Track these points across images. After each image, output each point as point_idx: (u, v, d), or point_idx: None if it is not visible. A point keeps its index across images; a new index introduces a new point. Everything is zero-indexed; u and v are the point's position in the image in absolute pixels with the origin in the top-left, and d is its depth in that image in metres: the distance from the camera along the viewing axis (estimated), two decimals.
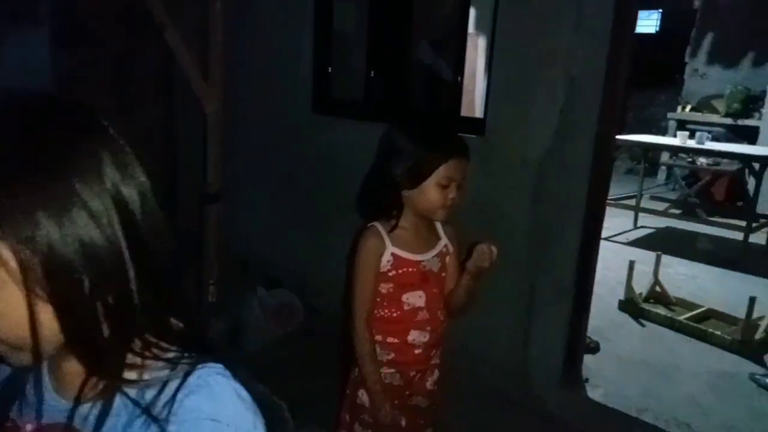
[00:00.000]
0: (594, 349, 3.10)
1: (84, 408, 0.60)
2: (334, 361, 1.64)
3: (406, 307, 1.55)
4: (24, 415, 0.65)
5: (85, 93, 3.72)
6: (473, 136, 2.66)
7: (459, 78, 2.88)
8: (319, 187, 3.24)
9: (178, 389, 0.60)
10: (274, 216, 3.61)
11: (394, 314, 1.55)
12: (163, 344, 0.63)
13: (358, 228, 1.58)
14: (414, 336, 1.57)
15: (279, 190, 3.58)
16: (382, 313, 1.57)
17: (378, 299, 1.56)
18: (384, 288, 1.55)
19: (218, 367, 0.63)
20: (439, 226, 1.60)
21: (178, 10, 2.57)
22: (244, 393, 0.63)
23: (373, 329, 1.58)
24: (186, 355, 0.63)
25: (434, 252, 1.57)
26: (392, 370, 1.60)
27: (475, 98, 4.09)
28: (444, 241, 1.59)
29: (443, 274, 1.59)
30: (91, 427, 0.60)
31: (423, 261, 1.54)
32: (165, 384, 0.60)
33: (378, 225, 1.53)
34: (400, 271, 1.52)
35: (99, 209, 0.55)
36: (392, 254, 1.51)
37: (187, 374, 0.61)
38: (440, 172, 1.44)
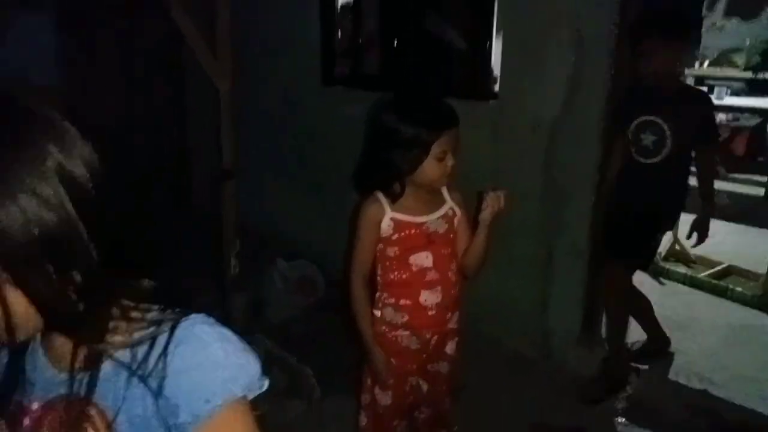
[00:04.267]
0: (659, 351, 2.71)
1: (82, 376, 0.63)
2: (356, 332, 1.69)
3: (414, 269, 1.60)
4: (28, 395, 0.67)
5: (91, 75, 3.74)
6: (486, 101, 2.64)
7: (488, 43, 2.72)
8: (333, 158, 3.24)
9: (167, 343, 0.63)
10: (289, 191, 3.64)
11: (404, 276, 1.61)
12: (143, 306, 0.66)
13: (361, 197, 1.64)
14: (425, 296, 1.61)
15: (293, 163, 3.60)
16: (393, 277, 1.62)
17: (387, 263, 1.62)
18: (391, 251, 1.60)
19: (201, 316, 0.66)
20: (444, 191, 1.63)
21: None
22: (230, 334, 0.66)
23: (386, 293, 1.64)
24: (168, 311, 0.66)
25: (439, 214, 1.61)
26: (408, 333, 1.65)
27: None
28: (450, 204, 1.63)
29: (451, 236, 1.63)
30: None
31: (426, 222, 1.59)
32: (154, 340, 0.63)
33: (379, 193, 1.58)
34: (402, 234, 1.58)
35: (48, 193, 0.56)
36: (392, 219, 1.57)
37: (173, 328, 0.64)
38: (434, 149, 1.48)
